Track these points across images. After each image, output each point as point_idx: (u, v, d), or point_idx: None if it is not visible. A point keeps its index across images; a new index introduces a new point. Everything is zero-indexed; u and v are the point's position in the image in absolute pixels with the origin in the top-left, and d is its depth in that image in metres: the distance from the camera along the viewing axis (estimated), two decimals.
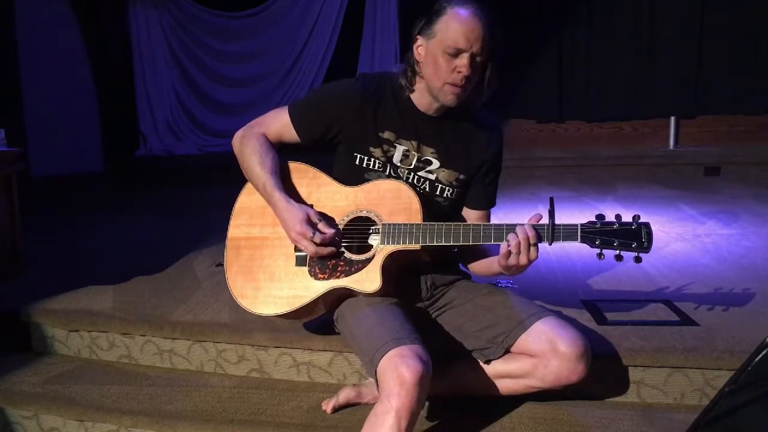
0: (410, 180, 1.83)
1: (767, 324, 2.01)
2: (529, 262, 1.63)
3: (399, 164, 1.82)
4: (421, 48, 1.74)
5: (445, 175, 1.84)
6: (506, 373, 1.74)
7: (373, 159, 1.82)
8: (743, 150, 5.71)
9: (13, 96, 5.80)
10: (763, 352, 1.06)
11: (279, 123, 1.87)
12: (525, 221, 1.65)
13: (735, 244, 3.15)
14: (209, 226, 3.51)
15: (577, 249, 3.01)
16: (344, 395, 1.88)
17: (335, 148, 1.88)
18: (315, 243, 1.71)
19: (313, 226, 1.72)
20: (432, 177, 1.84)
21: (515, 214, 1.67)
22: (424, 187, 1.84)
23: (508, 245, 1.61)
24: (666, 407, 1.86)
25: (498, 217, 1.71)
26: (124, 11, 7.00)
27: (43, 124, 6.02)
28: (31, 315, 2.39)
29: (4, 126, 3.04)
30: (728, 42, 6.07)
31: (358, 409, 1.87)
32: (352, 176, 1.83)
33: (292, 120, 1.85)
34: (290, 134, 1.86)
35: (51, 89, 6.18)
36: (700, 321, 2.04)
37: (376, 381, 1.53)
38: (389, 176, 1.82)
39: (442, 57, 1.68)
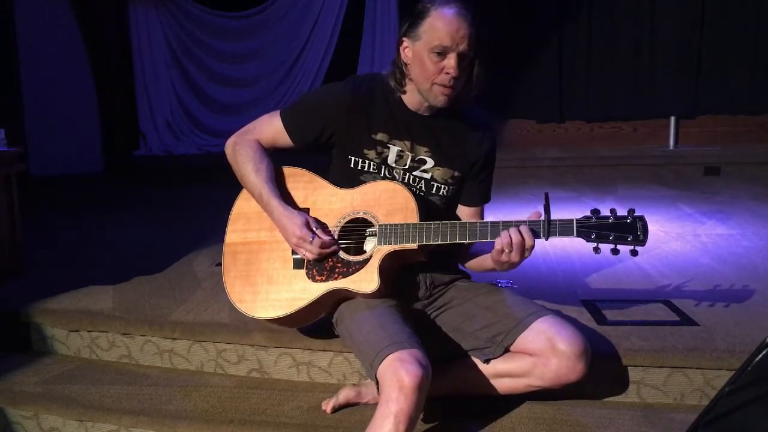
0: (406, 180, 1.83)
1: (767, 324, 2.01)
2: (522, 258, 1.64)
3: (394, 165, 1.83)
4: (407, 50, 1.75)
5: (440, 173, 1.84)
6: (505, 372, 1.74)
7: (367, 161, 1.82)
8: (743, 150, 5.71)
9: (13, 96, 5.80)
10: (763, 352, 1.06)
11: (272, 129, 1.87)
12: (525, 219, 1.65)
13: (735, 244, 3.15)
14: (209, 226, 3.50)
15: (576, 249, 3.01)
16: (344, 395, 1.88)
17: (330, 151, 1.89)
18: (315, 246, 1.72)
19: (312, 231, 1.74)
20: (427, 176, 1.84)
21: (515, 215, 1.67)
22: (420, 187, 1.84)
23: (501, 242, 1.62)
24: (666, 407, 1.86)
25: (498, 217, 1.70)
26: (124, 11, 7.01)
27: (43, 124, 6.02)
28: (31, 315, 2.39)
29: (4, 126, 3.03)
30: (728, 42, 6.07)
31: (358, 409, 1.87)
32: (348, 179, 1.83)
33: (284, 125, 1.86)
34: (284, 139, 1.87)
35: (51, 89, 6.18)
36: (700, 321, 2.04)
37: (377, 384, 1.53)
38: (384, 177, 1.82)
39: (429, 58, 1.69)
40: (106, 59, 6.84)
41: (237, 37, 7.40)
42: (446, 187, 1.85)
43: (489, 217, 1.96)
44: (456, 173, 1.85)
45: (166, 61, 7.25)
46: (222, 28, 7.39)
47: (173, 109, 7.29)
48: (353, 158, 1.83)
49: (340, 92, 1.83)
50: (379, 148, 1.82)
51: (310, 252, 1.74)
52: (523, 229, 1.62)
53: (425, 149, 1.83)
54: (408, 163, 1.83)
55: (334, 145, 1.85)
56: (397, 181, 1.81)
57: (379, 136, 1.82)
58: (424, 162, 1.83)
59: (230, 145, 1.89)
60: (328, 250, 1.74)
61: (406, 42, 1.75)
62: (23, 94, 5.94)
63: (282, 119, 1.86)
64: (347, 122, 1.81)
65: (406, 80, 1.78)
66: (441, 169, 1.84)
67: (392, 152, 1.82)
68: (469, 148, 1.85)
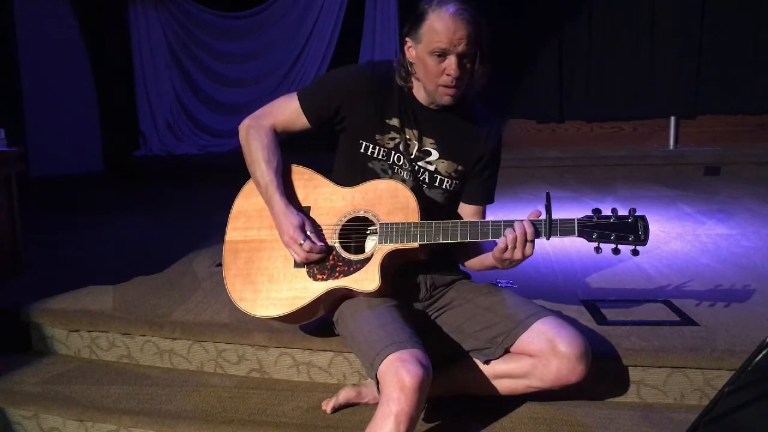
0: (412, 169, 1.83)
1: (767, 324, 2.01)
2: (524, 257, 1.64)
3: (402, 152, 1.83)
4: (411, 49, 1.76)
5: (444, 166, 1.84)
6: (506, 373, 1.74)
7: (377, 147, 1.83)
8: (743, 150, 5.71)
9: (13, 96, 5.80)
10: (763, 352, 1.06)
11: (288, 110, 1.86)
12: (525, 218, 1.65)
13: (735, 244, 3.15)
14: (209, 226, 3.50)
15: (576, 249, 3.01)
16: (344, 395, 1.88)
17: (339, 135, 1.88)
18: (304, 249, 1.73)
19: (305, 234, 1.74)
20: (431, 168, 1.84)
21: (515, 215, 1.67)
22: (424, 178, 1.85)
23: (506, 239, 1.62)
24: (666, 407, 1.86)
25: (498, 217, 1.71)
26: (124, 11, 7.00)
27: (43, 124, 6.02)
28: (31, 315, 2.39)
29: (4, 126, 3.03)
30: (728, 42, 6.06)
31: (358, 409, 1.87)
32: (355, 165, 1.84)
33: (301, 105, 1.85)
34: (300, 121, 1.86)
35: (51, 89, 6.18)
36: (700, 321, 2.04)
37: (377, 383, 1.53)
38: (392, 165, 1.83)
39: (430, 60, 1.70)
40: (106, 59, 6.83)
41: (237, 37, 7.39)
42: (449, 181, 1.85)
43: (489, 217, 1.96)
44: (460, 167, 1.85)
45: (166, 61, 7.24)
46: (222, 28, 7.39)
47: (173, 109, 7.28)
48: (364, 143, 1.83)
49: (360, 74, 1.84)
50: (392, 134, 1.82)
51: (297, 254, 1.76)
52: (527, 224, 1.62)
53: (431, 141, 1.84)
54: (414, 153, 1.83)
55: (345, 129, 1.85)
56: (398, 179, 1.81)
57: (393, 121, 1.82)
58: (429, 153, 1.84)
59: (244, 128, 1.88)
60: (315, 256, 1.75)
61: (409, 42, 1.76)
62: (23, 94, 5.94)
63: (299, 99, 1.85)
64: (363, 104, 1.81)
65: (412, 78, 1.79)
66: (445, 161, 1.84)
67: (402, 140, 1.82)
68: (475, 143, 1.86)
